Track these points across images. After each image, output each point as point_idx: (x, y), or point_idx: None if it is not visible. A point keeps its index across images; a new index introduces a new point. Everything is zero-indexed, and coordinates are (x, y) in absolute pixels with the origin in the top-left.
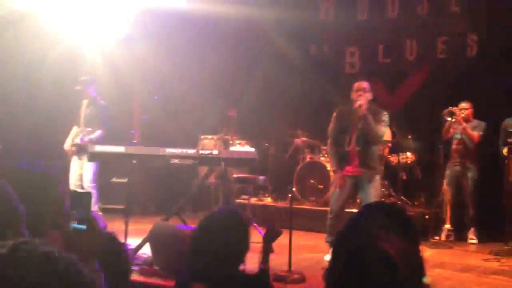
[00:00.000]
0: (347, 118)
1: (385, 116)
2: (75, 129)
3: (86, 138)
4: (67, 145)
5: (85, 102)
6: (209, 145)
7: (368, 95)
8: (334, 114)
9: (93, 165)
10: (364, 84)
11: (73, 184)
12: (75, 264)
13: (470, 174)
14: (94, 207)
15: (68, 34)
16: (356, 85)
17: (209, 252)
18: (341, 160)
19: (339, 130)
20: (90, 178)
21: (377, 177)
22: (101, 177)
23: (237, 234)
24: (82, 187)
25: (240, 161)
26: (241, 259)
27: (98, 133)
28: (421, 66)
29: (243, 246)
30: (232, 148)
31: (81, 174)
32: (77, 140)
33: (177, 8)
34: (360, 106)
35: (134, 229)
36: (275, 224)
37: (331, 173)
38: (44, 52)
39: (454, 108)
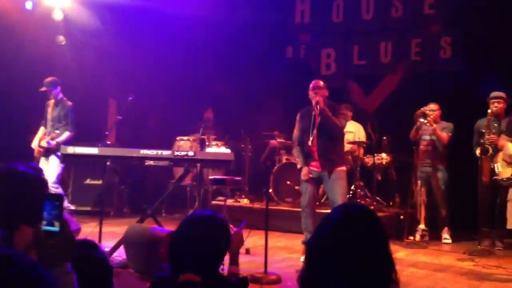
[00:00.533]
0: (307, 116)
1: (344, 110)
2: (41, 130)
3: (54, 142)
4: (34, 145)
5: (51, 103)
6: (184, 147)
7: (324, 92)
8: (297, 117)
9: (58, 167)
10: (319, 82)
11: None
12: (36, 266)
13: (440, 175)
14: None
15: (40, 34)
16: (312, 83)
17: (188, 256)
18: (306, 157)
19: (302, 130)
20: (54, 179)
21: (341, 173)
22: (75, 179)
23: (217, 236)
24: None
25: (216, 163)
26: (220, 259)
27: (66, 135)
28: (396, 68)
29: (223, 248)
30: (208, 150)
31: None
32: (44, 143)
33: (152, 8)
34: (317, 103)
35: (108, 232)
36: (243, 228)
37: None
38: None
39: (427, 109)
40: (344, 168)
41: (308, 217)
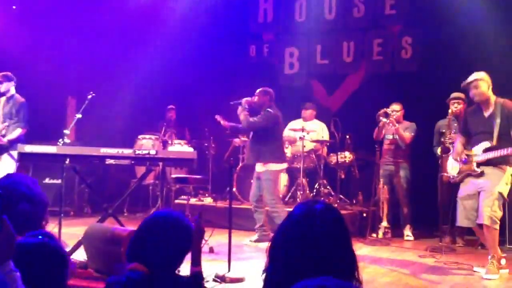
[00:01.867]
0: None
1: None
2: None
3: (5, 139)
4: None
5: (2, 99)
6: (146, 145)
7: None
8: None
9: (12, 165)
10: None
11: None
12: None
13: (402, 173)
14: None
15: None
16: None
17: (147, 256)
18: None
19: None
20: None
21: (268, 172)
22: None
23: (179, 236)
24: None
25: (179, 161)
26: (181, 262)
27: (18, 132)
28: (358, 68)
29: (184, 248)
30: (171, 148)
31: None
32: None
33: (112, 2)
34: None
35: (68, 232)
36: (200, 221)
37: None
38: None
39: (388, 109)
40: (272, 169)
41: (253, 212)
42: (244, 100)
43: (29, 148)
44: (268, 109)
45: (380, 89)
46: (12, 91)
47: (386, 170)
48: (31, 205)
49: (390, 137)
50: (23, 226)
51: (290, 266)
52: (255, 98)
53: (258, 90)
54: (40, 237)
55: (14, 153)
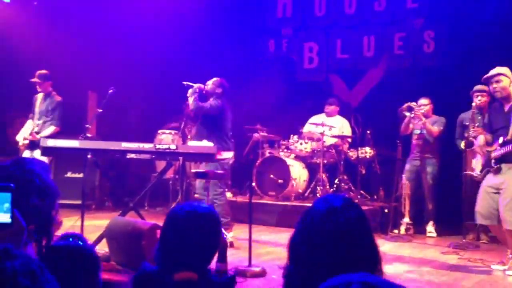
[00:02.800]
0: None
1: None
2: (29, 123)
3: (38, 136)
4: (19, 138)
5: (39, 96)
6: (166, 140)
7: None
8: None
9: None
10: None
11: None
12: (34, 260)
13: (429, 169)
14: None
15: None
16: None
17: (180, 251)
18: None
19: None
20: None
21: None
22: (55, 172)
23: (211, 231)
24: None
25: (198, 156)
26: (212, 254)
27: (52, 129)
28: (379, 62)
29: (216, 243)
30: (190, 143)
31: None
32: (28, 135)
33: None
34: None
35: (90, 225)
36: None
37: (290, 168)
38: None
39: (412, 103)
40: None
41: None
42: (197, 84)
43: (51, 142)
44: (217, 99)
45: (401, 84)
46: (49, 89)
47: (413, 166)
48: (43, 197)
49: (418, 131)
50: (33, 217)
51: (312, 263)
52: (208, 86)
53: (213, 79)
54: (70, 239)
55: None
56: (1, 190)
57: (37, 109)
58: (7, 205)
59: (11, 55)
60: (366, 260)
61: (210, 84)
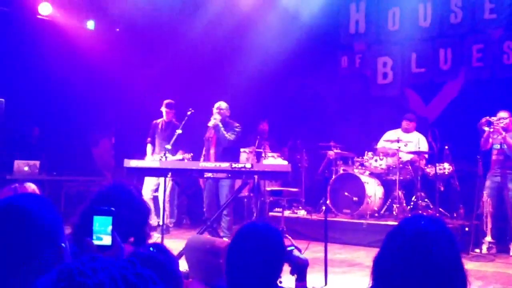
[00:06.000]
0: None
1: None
2: (149, 148)
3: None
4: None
5: (161, 122)
6: (241, 159)
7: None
8: None
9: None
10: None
11: (147, 195)
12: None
13: (511, 185)
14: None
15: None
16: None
17: (245, 266)
18: None
19: None
20: (167, 193)
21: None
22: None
23: (272, 247)
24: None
25: (273, 174)
26: (277, 273)
27: (179, 155)
28: (457, 75)
29: (279, 260)
30: (264, 161)
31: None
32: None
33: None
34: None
35: (168, 242)
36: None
37: (365, 185)
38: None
39: (492, 117)
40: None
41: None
42: (217, 120)
43: (134, 163)
44: (237, 125)
45: (480, 97)
46: (171, 117)
47: (494, 182)
48: (139, 214)
49: (498, 147)
50: (132, 232)
51: (400, 284)
52: (224, 111)
53: (223, 105)
54: (151, 249)
55: None
56: (104, 214)
57: (159, 134)
58: (109, 228)
59: (96, 78)
60: (455, 283)
61: (224, 109)
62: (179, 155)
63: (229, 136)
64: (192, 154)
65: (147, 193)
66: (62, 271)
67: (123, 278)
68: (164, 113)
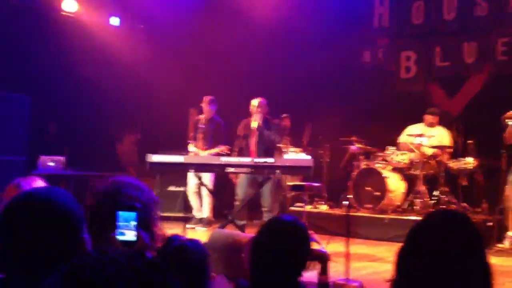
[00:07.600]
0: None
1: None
2: (191, 144)
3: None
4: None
5: (202, 118)
6: None
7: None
8: None
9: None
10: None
11: (190, 191)
12: None
13: None
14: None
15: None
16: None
17: (270, 261)
18: None
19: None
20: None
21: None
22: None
23: (298, 242)
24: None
25: (295, 169)
26: (302, 267)
27: (220, 148)
28: (481, 69)
29: (304, 254)
30: (286, 156)
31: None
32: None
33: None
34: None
35: (191, 237)
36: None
37: (386, 180)
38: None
39: None
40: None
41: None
42: (257, 122)
43: (156, 158)
44: (277, 123)
45: (505, 91)
46: (213, 113)
47: None
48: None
49: None
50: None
51: (424, 279)
52: (262, 108)
53: (262, 103)
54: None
55: None
56: (129, 209)
57: (199, 130)
58: (133, 223)
59: (121, 75)
60: (479, 278)
61: (263, 107)
62: (216, 150)
63: (276, 139)
64: (228, 147)
65: (192, 188)
66: (73, 265)
67: (133, 270)
68: (205, 110)
